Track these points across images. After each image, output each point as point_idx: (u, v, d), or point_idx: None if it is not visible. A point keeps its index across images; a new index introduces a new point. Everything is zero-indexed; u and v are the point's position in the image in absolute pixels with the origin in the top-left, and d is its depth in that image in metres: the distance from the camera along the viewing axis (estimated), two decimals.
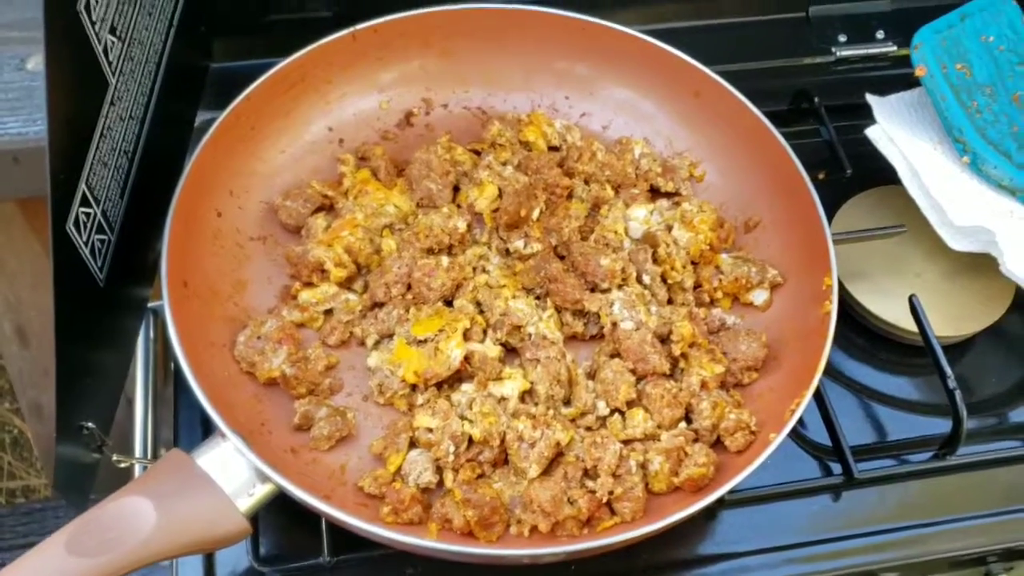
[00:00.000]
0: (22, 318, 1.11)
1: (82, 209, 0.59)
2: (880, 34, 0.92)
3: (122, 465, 0.66)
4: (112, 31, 0.61)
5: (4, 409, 1.54)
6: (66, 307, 0.56)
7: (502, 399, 0.64)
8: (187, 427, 0.69)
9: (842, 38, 0.91)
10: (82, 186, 0.59)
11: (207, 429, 0.68)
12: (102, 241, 0.62)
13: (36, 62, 0.83)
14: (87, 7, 0.58)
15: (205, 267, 0.66)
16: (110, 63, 0.61)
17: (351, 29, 0.73)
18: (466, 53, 0.77)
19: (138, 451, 0.73)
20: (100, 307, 0.63)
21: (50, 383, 1.23)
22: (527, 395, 0.65)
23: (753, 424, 0.62)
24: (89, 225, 0.60)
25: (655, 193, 0.75)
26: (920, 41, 0.75)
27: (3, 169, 0.81)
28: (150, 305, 0.72)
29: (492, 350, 0.66)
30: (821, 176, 0.79)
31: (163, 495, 0.53)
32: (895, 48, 0.91)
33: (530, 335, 0.66)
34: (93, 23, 0.59)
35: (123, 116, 0.64)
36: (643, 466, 0.61)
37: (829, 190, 0.72)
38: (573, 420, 0.64)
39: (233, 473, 0.56)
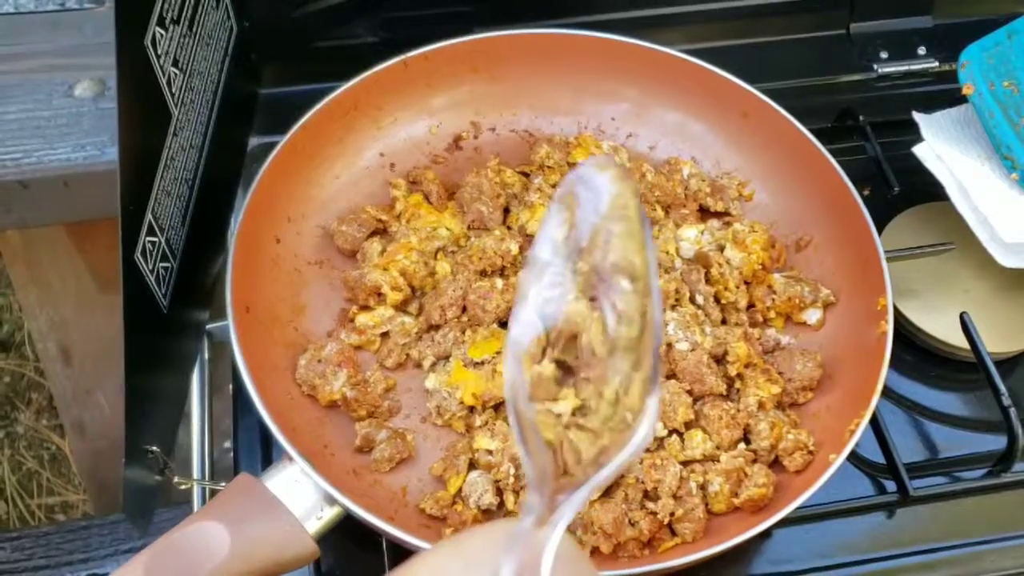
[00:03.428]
0: (66, 338, 1.13)
1: (148, 238, 0.60)
2: (922, 50, 0.92)
3: (183, 487, 0.67)
4: (175, 63, 0.63)
5: (42, 426, 1.56)
6: (135, 335, 0.57)
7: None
8: (247, 450, 0.70)
9: (883, 55, 0.92)
10: (148, 216, 0.60)
11: (267, 451, 0.69)
12: (166, 268, 0.63)
13: (83, 88, 0.84)
14: (153, 41, 0.60)
15: (266, 293, 0.68)
16: (173, 94, 0.63)
17: (402, 56, 0.74)
18: (514, 78, 0.78)
19: (196, 472, 0.74)
20: (164, 333, 0.64)
21: (93, 402, 1.25)
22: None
23: (811, 444, 0.63)
24: (155, 253, 0.61)
25: (704, 213, 0.76)
26: (967, 59, 0.76)
27: (53, 194, 0.82)
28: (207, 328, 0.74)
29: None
30: (866, 192, 0.79)
31: (235, 520, 0.54)
32: (937, 64, 0.92)
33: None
34: (158, 56, 0.60)
35: (184, 146, 0.65)
36: (703, 487, 0.62)
37: (875, 207, 0.72)
38: None
39: (301, 496, 0.57)
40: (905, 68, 0.92)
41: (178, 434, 0.68)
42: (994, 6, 0.93)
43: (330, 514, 0.57)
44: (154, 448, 0.62)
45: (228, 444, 0.76)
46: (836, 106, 0.87)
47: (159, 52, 0.60)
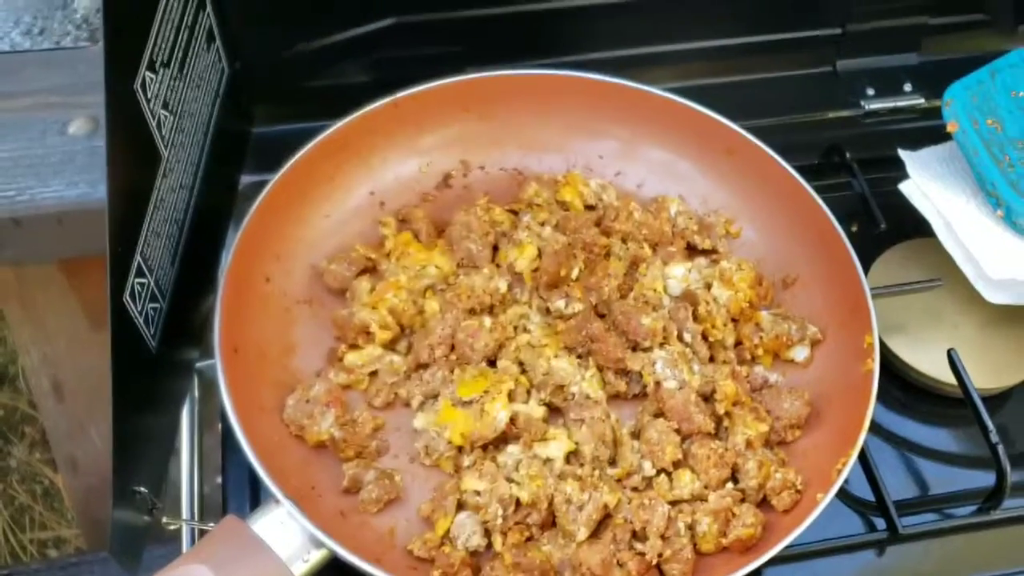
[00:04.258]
0: (59, 373, 1.12)
1: (137, 280, 0.61)
2: (908, 87, 0.93)
3: (172, 527, 0.67)
4: (165, 106, 0.63)
5: (35, 460, 1.56)
6: (123, 377, 0.57)
7: (548, 460, 0.65)
8: (235, 490, 0.69)
9: (870, 91, 0.93)
10: (137, 258, 0.61)
11: (255, 492, 0.69)
12: (155, 309, 0.63)
13: (77, 127, 0.85)
14: (143, 85, 0.60)
15: (254, 332, 0.68)
16: (163, 137, 0.63)
17: (393, 97, 0.75)
18: (503, 117, 0.79)
19: (185, 512, 0.74)
20: (153, 373, 0.64)
21: (85, 438, 1.25)
22: (572, 455, 0.65)
23: (799, 483, 0.63)
24: (143, 295, 0.62)
25: (692, 251, 0.76)
26: (951, 97, 0.76)
27: (47, 231, 0.82)
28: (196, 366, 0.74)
29: (537, 411, 0.66)
30: (853, 229, 0.80)
31: (221, 563, 0.54)
32: (923, 101, 0.93)
33: (573, 395, 0.67)
34: (148, 100, 0.61)
35: (174, 187, 0.66)
36: (691, 527, 0.62)
37: (862, 243, 0.73)
38: (619, 480, 0.64)
39: (287, 538, 0.57)
40: (892, 104, 0.93)
41: (168, 472, 0.68)
42: (980, 43, 0.94)
43: (317, 557, 0.57)
44: (142, 489, 0.62)
45: (219, 480, 0.76)
46: (823, 142, 0.88)
47: (149, 96, 0.61)
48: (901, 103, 0.93)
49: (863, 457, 0.69)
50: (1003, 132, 0.76)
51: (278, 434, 0.65)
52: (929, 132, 0.85)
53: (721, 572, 0.58)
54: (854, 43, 0.93)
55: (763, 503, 0.64)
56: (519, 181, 0.80)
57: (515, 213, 0.77)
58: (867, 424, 0.62)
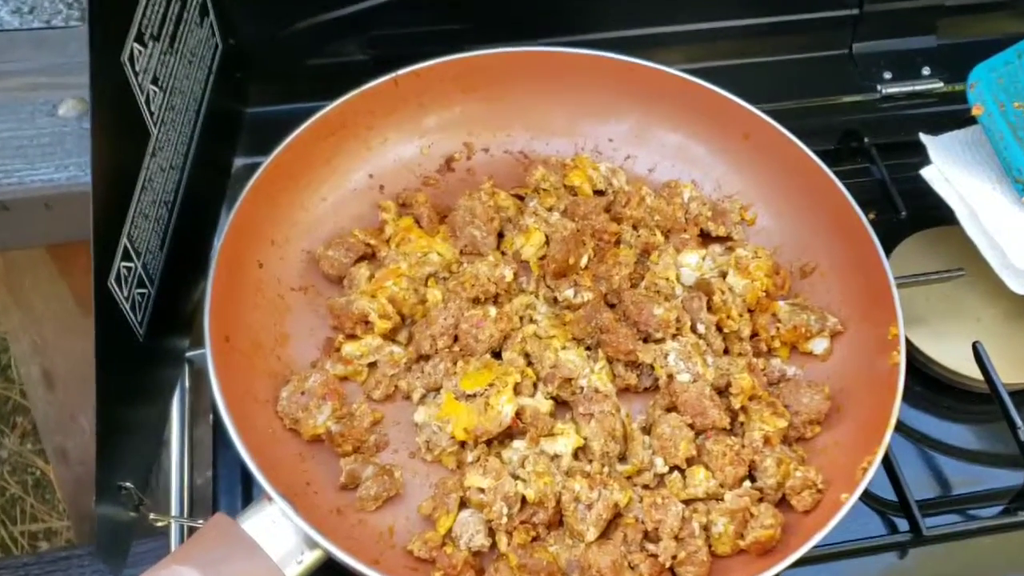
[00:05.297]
0: (49, 361, 1.10)
1: (123, 263, 0.58)
2: (926, 71, 0.91)
3: (160, 524, 0.64)
4: (154, 81, 0.60)
5: (27, 451, 1.54)
6: (108, 365, 0.54)
7: (555, 456, 0.62)
8: (227, 487, 0.67)
9: (887, 75, 0.90)
10: (124, 240, 0.58)
11: (247, 488, 0.66)
12: (142, 295, 0.61)
13: (67, 108, 0.83)
14: (131, 58, 0.57)
15: (247, 320, 0.65)
16: (152, 113, 0.60)
17: (393, 74, 0.72)
18: (508, 97, 0.76)
19: (174, 508, 0.71)
20: (140, 362, 0.62)
21: (76, 428, 1.22)
22: (580, 451, 0.62)
23: (820, 482, 0.60)
24: (130, 279, 0.59)
25: (706, 238, 0.74)
26: (977, 79, 0.74)
27: (35, 215, 0.80)
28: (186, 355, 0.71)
29: (544, 405, 0.64)
30: (872, 216, 0.77)
31: (210, 564, 0.51)
32: (941, 84, 0.90)
33: (582, 388, 0.64)
34: (136, 74, 0.58)
35: (163, 167, 0.63)
36: (706, 528, 0.59)
37: (881, 231, 0.70)
38: (629, 478, 0.62)
39: (280, 538, 0.54)
40: (909, 88, 0.90)
41: (157, 466, 0.65)
42: (998, 25, 0.92)
43: (311, 558, 0.54)
44: (128, 484, 0.59)
45: (209, 473, 0.73)
46: (839, 127, 0.85)
47: (137, 69, 0.58)
48: (919, 87, 0.90)
49: (884, 455, 0.66)
50: None
51: (272, 427, 0.63)
52: (948, 116, 0.83)
53: None
54: (870, 25, 0.90)
55: (782, 503, 0.61)
56: (525, 165, 0.77)
57: (521, 198, 0.75)
58: (894, 420, 0.59)
